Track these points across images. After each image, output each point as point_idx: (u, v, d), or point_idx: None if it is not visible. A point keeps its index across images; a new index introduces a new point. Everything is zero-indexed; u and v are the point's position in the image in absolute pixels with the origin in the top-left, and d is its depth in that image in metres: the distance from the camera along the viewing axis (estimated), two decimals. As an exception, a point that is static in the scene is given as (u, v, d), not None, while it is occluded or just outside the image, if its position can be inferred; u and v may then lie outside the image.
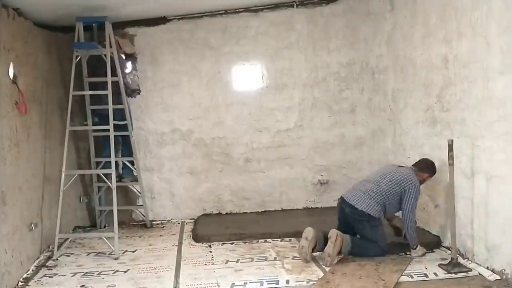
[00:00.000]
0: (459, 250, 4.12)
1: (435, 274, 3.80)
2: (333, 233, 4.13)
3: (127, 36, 5.83)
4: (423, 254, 4.22)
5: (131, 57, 5.93)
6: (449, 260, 3.97)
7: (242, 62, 6.05)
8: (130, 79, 5.87)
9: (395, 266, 3.95)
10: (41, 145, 4.86)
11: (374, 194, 4.20)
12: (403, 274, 3.80)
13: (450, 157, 3.90)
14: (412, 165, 4.43)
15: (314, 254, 4.27)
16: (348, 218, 4.29)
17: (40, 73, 4.96)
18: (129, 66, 5.92)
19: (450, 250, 4.05)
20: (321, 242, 4.23)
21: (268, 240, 4.98)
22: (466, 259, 4.00)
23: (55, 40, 5.44)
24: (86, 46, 5.21)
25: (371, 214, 4.15)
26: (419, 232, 4.78)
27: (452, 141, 3.91)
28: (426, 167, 4.37)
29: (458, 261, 3.95)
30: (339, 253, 4.14)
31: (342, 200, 4.37)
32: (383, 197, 4.19)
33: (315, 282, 3.72)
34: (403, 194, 4.16)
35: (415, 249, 4.23)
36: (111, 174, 4.84)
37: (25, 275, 4.18)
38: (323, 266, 4.05)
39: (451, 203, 3.96)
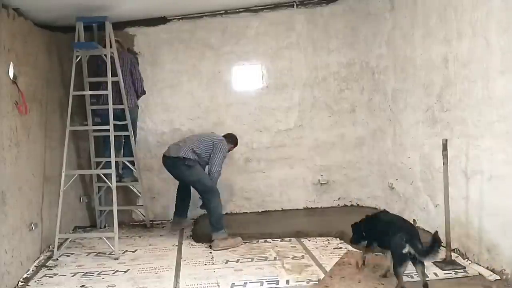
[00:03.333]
0: (459, 250, 4.13)
1: (435, 274, 3.79)
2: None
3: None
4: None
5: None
6: (444, 258, 3.99)
7: (242, 62, 6.05)
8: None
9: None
10: (41, 145, 4.86)
11: (184, 144, 5.02)
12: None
13: (445, 156, 3.93)
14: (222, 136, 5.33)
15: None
16: (171, 169, 5.09)
17: (40, 73, 4.96)
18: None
19: (450, 250, 4.05)
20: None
21: (268, 240, 4.98)
22: (466, 259, 4.00)
23: (55, 40, 5.44)
24: (86, 46, 5.21)
25: (184, 156, 4.90)
26: (420, 232, 4.78)
27: (446, 140, 3.94)
28: (231, 138, 5.40)
29: (453, 259, 3.97)
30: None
31: (163, 158, 5.12)
32: (193, 145, 4.97)
33: (315, 283, 3.72)
34: (213, 149, 4.99)
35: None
36: (111, 174, 4.84)
37: (25, 275, 4.18)
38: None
39: (446, 201, 3.96)
